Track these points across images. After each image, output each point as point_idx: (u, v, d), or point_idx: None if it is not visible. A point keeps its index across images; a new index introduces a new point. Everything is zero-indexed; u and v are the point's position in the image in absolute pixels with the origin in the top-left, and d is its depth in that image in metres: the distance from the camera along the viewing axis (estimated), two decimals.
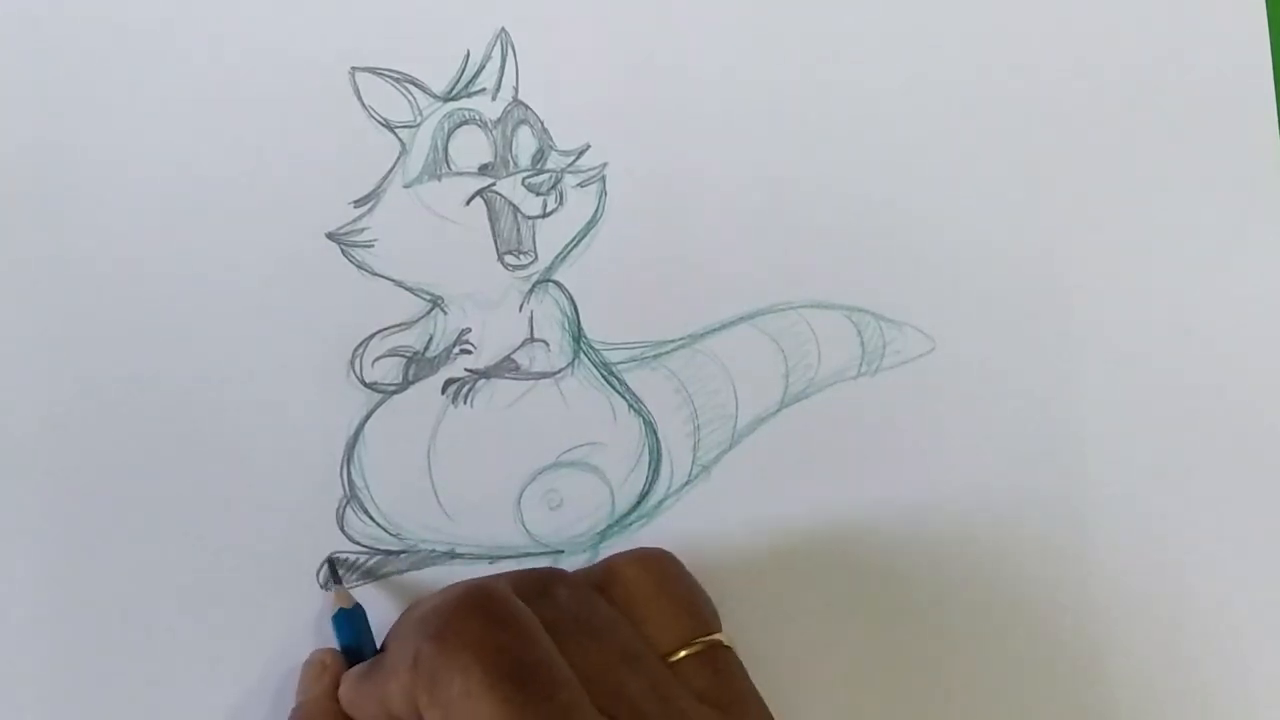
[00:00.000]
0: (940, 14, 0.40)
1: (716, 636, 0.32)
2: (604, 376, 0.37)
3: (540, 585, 0.32)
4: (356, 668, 0.33)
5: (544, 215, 0.37)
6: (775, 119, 0.39)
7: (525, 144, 0.38)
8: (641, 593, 0.32)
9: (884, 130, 0.39)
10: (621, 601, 0.32)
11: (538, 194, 0.37)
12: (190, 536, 0.35)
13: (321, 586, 0.36)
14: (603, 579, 0.33)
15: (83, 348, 0.36)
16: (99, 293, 0.36)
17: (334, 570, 0.35)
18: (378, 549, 0.36)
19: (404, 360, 0.37)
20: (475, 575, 0.36)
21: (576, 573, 0.34)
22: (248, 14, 0.37)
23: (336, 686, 0.33)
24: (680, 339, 0.38)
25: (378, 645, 0.34)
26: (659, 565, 0.33)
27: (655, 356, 0.38)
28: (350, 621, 0.34)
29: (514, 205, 0.37)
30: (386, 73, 0.37)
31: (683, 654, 0.31)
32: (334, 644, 0.35)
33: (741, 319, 0.38)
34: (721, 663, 0.31)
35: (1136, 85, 0.40)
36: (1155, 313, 0.39)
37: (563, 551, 0.37)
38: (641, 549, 0.34)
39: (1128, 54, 0.40)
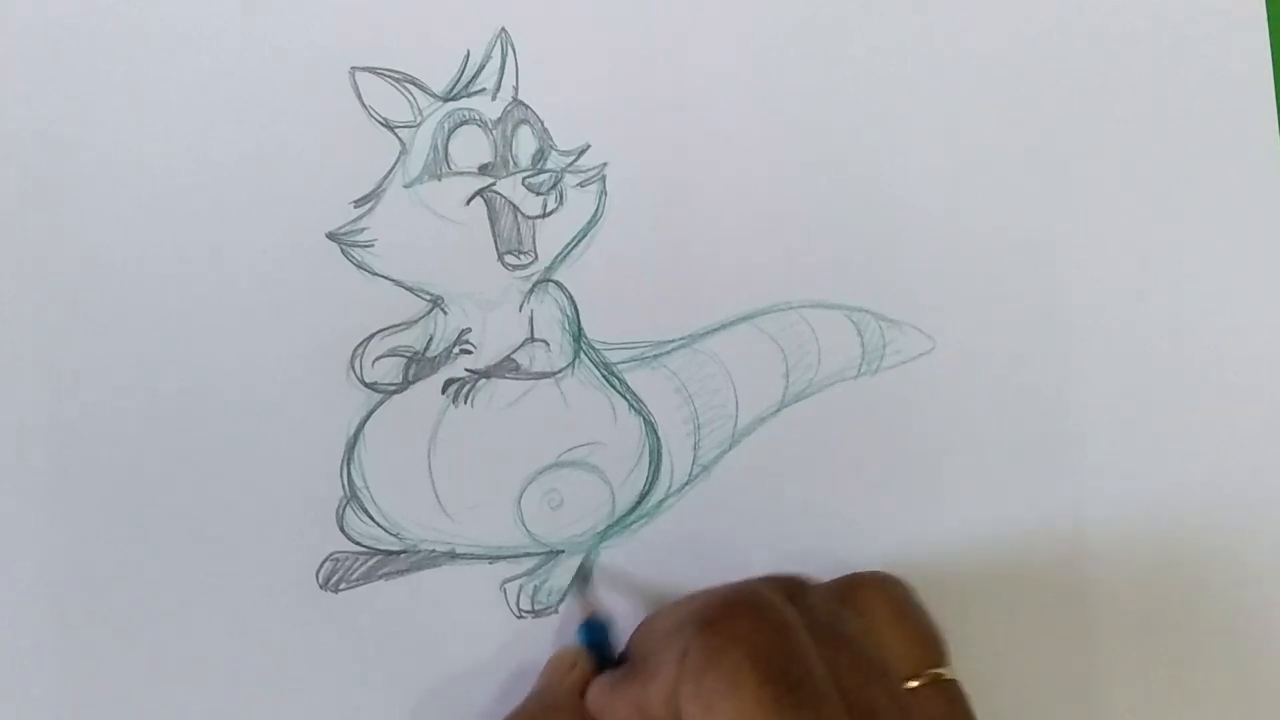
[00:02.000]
0: (940, 14, 0.40)
1: (946, 671, 0.31)
2: (604, 376, 0.37)
3: (795, 589, 0.32)
4: (607, 674, 0.33)
5: (544, 215, 0.37)
6: (775, 119, 0.39)
7: (525, 144, 0.38)
8: (883, 614, 0.32)
9: (884, 130, 0.39)
10: (863, 618, 0.32)
11: (538, 194, 0.37)
12: (190, 536, 0.35)
13: (321, 586, 0.36)
14: (846, 593, 0.32)
15: (83, 348, 0.36)
16: (99, 293, 0.36)
17: (585, 579, 0.36)
18: (378, 549, 0.36)
19: (404, 360, 0.37)
20: (475, 575, 0.36)
21: (822, 584, 0.33)
22: (248, 14, 0.37)
23: (583, 684, 0.33)
24: (680, 339, 0.38)
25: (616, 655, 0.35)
26: (900, 591, 0.33)
27: (655, 356, 0.38)
28: (596, 630, 0.35)
29: (514, 205, 0.37)
30: (386, 73, 0.37)
31: (917, 683, 0.31)
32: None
33: (741, 319, 0.38)
34: (955, 696, 0.31)
35: (1137, 85, 0.40)
36: (1155, 312, 0.40)
37: (563, 551, 0.37)
38: (879, 572, 0.33)
39: (1128, 54, 0.40)
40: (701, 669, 0.28)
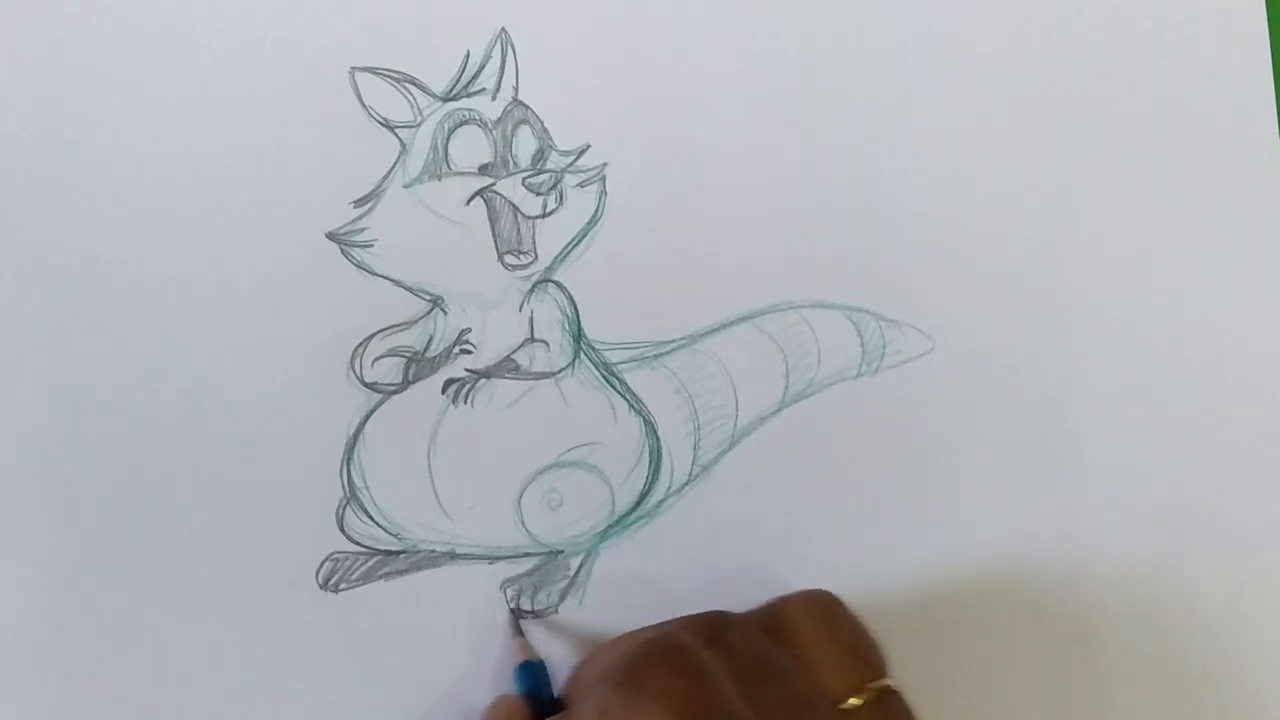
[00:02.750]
0: (940, 14, 0.40)
1: (885, 682, 0.31)
2: (604, 376, 0.37)
3: (713, 630, 0.31)
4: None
5: (544, 215, 0.37)
6: (775, 119, 0.39)
7: (525, 144, 0.38)
8: (811, 637, 0.31)
9: (884, 130, 0.39)
10: (790, 646, 0.31)
11: (538, 194, 0.37)
12: (190, 536, 0.35)
13: (321, 586, 0.36)
14: (770, 623, 0.32)
15: (83, 348, 0.36)
16: (99, 293, 0.36)
17: (516, 621, 0.36)
18: (377, 549, 0.36)
19: (404, 360, 0.37)
20: (475, 575, 0.36)
21: (743, 616, 0.33)
22: (248, 14, 0.37)
23: None
24: (680, 339, 0.38)
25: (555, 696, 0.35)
26: (826, 608, 0.32)
27: (655, 356, 0.38)
28: (532, 674, 0.34)
29: (514, 205, 0.37)
30: (386, 73, 0.37)
31: (853, 701, 0.30)
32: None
33: (741, 319, 0.38)
34: (894, 709, 0.31)
35: (1137, 85, 0.40)
36: (1155, 312, 0.40)
37: (562, 551, 0.37)
38: (807, 592, 0.33)
39: (1128, 54, 0.40)
40: None
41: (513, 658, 0.35)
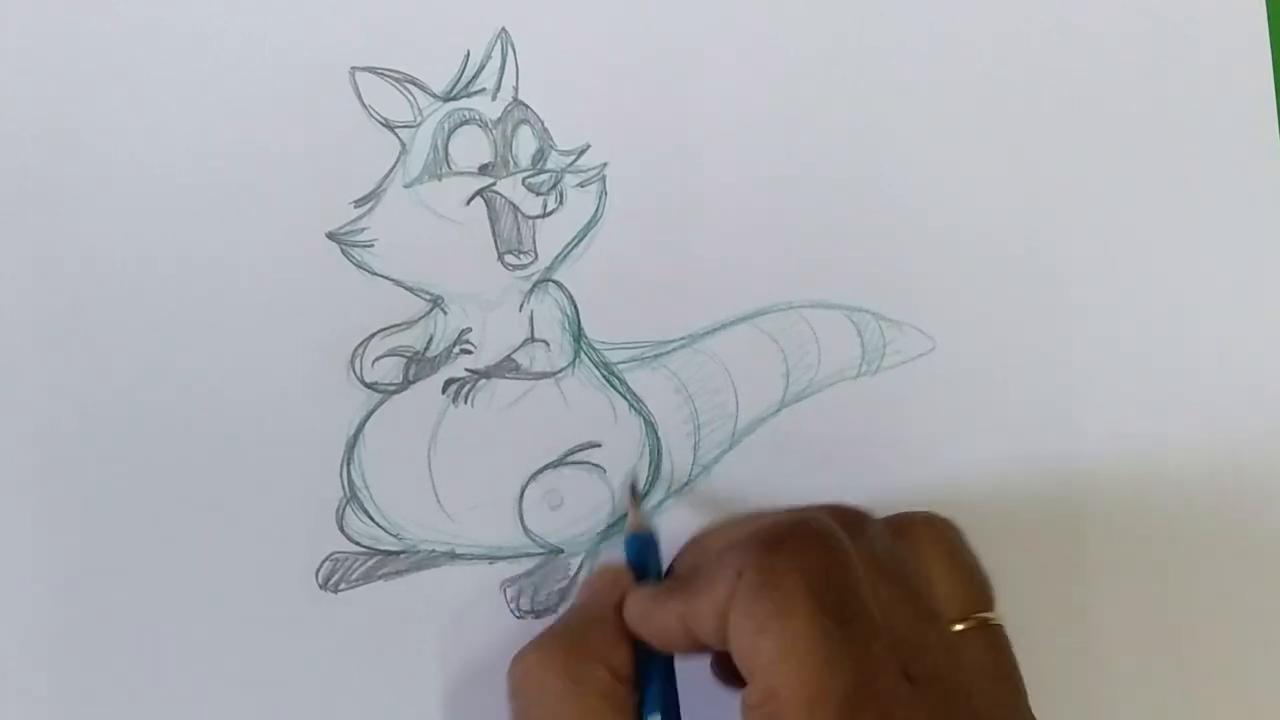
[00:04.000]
0: (940, 15, 0.40)
1: (994, 616, 0.31)
2: (604, 376, 0.37)
3: (853, 520, 0.31)
4: (646, 587, 0.33)
5: (544, 215, 0.37)
6: (776, 119, 0.39)
7: (525, 144, 0.38)
8: (934, 554, 0.31)
9: (885, 130, 0.39)
10: (915, 558, 0.31)
11: (538, 194, 0.37)
12: (190, 536, 0.35)
13: (321, 586, 0.36)
14: (901, 531, 0.32)
15: (83, 348, 0.36)
16: (99, 293, 0.36)
17: (634, 492, 0.36)
18: (377, 549, 0.36)
19: (404, 360, 0.37)
20: (475, 575, 0.36)
21: (879, 519, 0.32)
22: (248, 14, 0.37)
23: (621, 602, 0.33)
24: (680, 339, 0.38)
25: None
26: (952, 532, 0.32)
27: (656, 356, 0.38)
28: (641, 546, 0.34)
29: (514, 205, 0.37)
30: (386, 73, 0.37)
31: (963, 625, 0.30)
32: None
33: (741, 319, 0.38)
34: (998, 639, 0.31)
35: (1137, 85, 0.40)
36: (1155, 312, 0.39)
37: (562, 551, 0.37)
38: (932, 513, 0.33)
39: (1128, 54, 0.40)
40: (758, 590, 0.28)
41: (625, 528, 0.35)
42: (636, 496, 0.36)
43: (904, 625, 0.29)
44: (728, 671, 0.31)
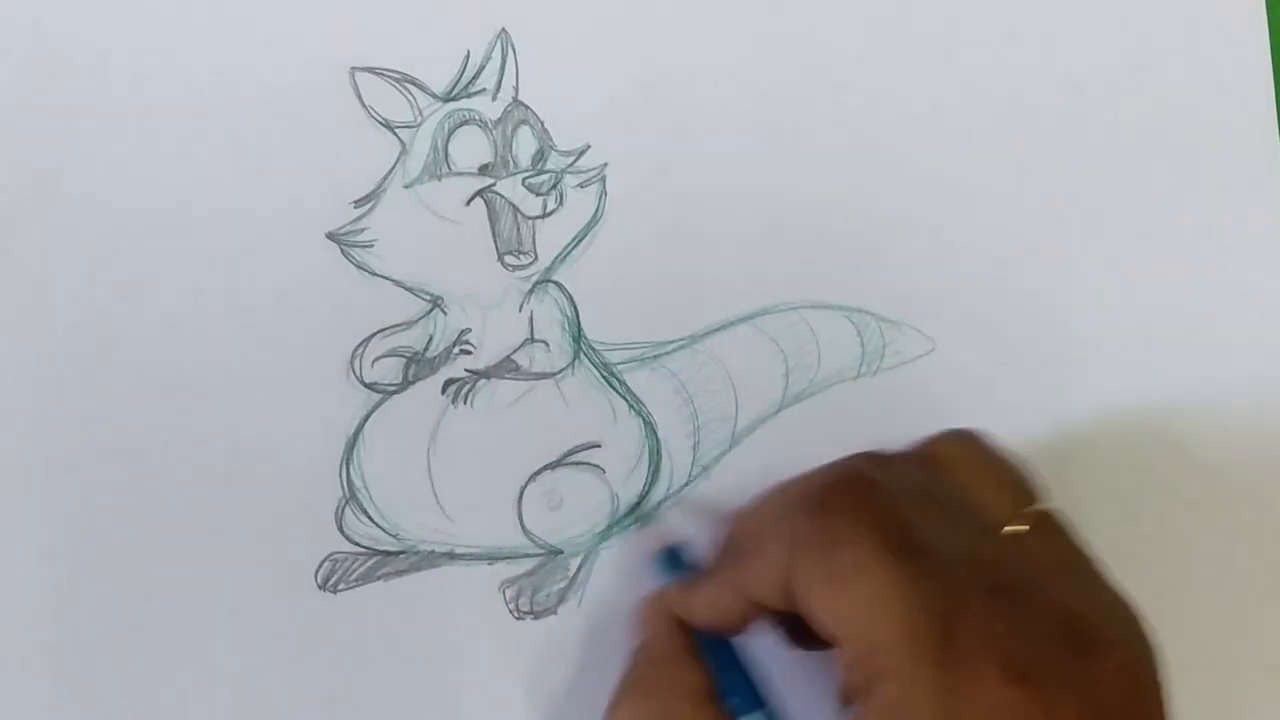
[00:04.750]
0: (940, 18, 0.40)
1: (1043, 505, 0.31)
2: (604, 377, 0.37)
3: (882, 463, 0.31)
4: (689, 579, 0.33)
5: (544, 215, 0.37)
6: (775, 120, 0.39)
7: (525, 144, 0.38)
8: (964, 468, 0.31)
9: (884, 131, 0.39)
10: (949, 479, 0.31)
11: (538, 194, 0.37)
12: (190, 536, 0.35)
13: (320, 587, 0.36)
14: (926, 458, 0.32)
15: (83, 347, 0.36)
16: (99, 292, 0.36)
17: (656, 508, 0.36)
18: (377, 549, 0.36)
19: (404, 360, 0.37)
20: (474, 575, 0.36)
21: (901, 453, 0.33)
22: (248, 14, 0.37)
23: (677, 623, 0.33)
24: (680, 339, 0.38)
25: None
26: (974, 440, 0.32)
27: (655, 357, 0.38)
28: (677, 555, 0.35)
29: (514, 205, 0.37)
30: (386, 73, 0.37)
31: (1016, 525, 0.30)
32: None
33: (741, 319, 0.38)
34: (1055, 528, 0.31)
35: (1136, 86, 0.40)
36: (1154, 313, 0.39)
37: (562, 552, 0.37)
38: (954, 429, 0.33)
39: (1127, 54, 0.40)
40: (824, 549, 0.28)
41: (654, 544, 0.35)
42: (649, 521, 0.36)
43: (966, 544, 0.29)
44: (800, 636, 0.31)
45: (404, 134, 0.37)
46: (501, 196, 0.37)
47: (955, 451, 0.32)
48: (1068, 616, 0.28)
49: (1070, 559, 0.30)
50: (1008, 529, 0.30)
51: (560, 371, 0.37)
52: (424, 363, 0.37)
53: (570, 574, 0.37)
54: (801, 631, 0.30)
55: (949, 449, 0.32)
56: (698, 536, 0.36)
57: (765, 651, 0.33)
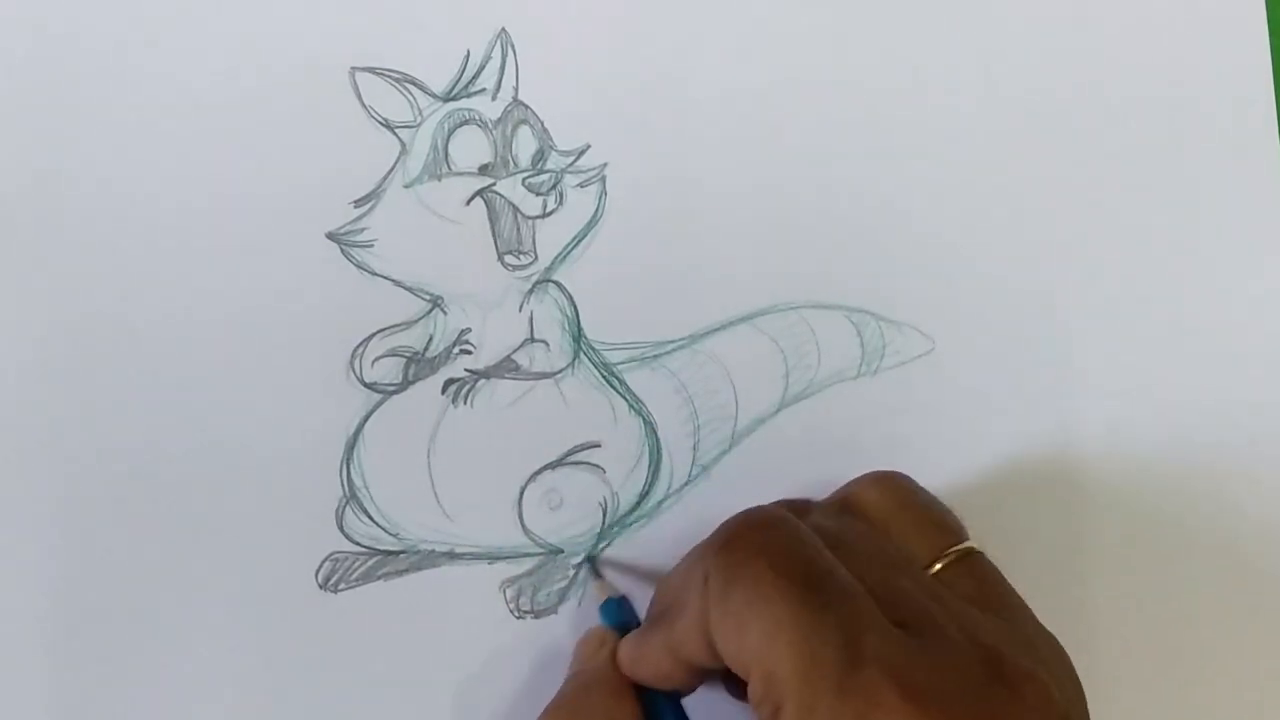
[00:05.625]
0: (940, 17, 0.40)
1: (967, 545, 0.31)
2: (604, 377, 0.37)
3: (800, 509, 0.32)
4: (632, 632, 0.33)
5: (544, 215, 0.37)
6: (775, 119, 0.39)
7: (525, 144, 0.38)
8: (887, 511, 0.31)
9: (884, 131, 0.39)
10: (869, 523, 0.31)
11: (538, 194, 0.37)
12: (190, 536, 0.35)
13: (320, 586, 0.36)
14: (846, 504, 0.32)
15: (82, 347, 0.36)
16: (99, 292, 0.36)
17: (594, 567, 0.36)
18: (377, 549, 0.36)
19: (404, 360, 0.37)
20: (474, 575, 0.36)
21: (822, 501, 0.33)
22: (248, 14, 0.37)
23: (615, 658, 0.33)
24: (680, 339, 0.38)
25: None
26: (895, 482, 0.32)
27: (655, 357, 0.38)
28: (620, 607, 0.35)
29: (514, 205, 0.37)
30: (386, 73, 0.37)
31: (939, 566, 0.30)
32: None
33: (741, 319, 0.38)
34: (980, 568, 0.31)
35: (1136, 86, 0.40)
36: (1154, 313, 0.39)
37: (562, 551, 0.37)
38: (874, 472, 0.33)
39: (1127, 55, 0.40)
40: (726, 586, 0.28)
41: (595, 598, 0.36)
42: (596, 570, 0.36)
43: (877, 579, 0.28)
44: (737, 686, 0.31)
45: (404, 134, 0.37)
46: (501, 196, 0.37)
47: (873, 495, 0.32)
48: (983, 649, 0.27)
49: (992, 598, 0.30)
50: (932, 570, 0.30)
51: (560, 371, 0.37)
52: (424, 363, 0.37)
53: (570, 573, 0.37)
54: (738, 682, 0.30)
55: (867, 493, 0.32)
56: (637, 589, 0.36)
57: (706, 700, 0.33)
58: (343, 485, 0.36)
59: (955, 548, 0.31)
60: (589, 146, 0.38)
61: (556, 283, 0.37)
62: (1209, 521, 0.39)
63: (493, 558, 0.36)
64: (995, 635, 0.28)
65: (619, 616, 0.35)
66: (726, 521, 0.30)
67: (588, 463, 0.37)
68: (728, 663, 0.28)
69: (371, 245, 0.37)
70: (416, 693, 0.36)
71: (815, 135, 0.39)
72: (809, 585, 0.27)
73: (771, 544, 0.28)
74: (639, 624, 0.34)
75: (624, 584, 0.36)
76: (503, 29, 0.38)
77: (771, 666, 0.27)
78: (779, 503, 0.32)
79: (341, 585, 0.36)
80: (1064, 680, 0.28)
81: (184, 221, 0.36)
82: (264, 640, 0.35)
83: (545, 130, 0.38)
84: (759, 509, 0.30)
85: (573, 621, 0.36)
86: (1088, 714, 0.28)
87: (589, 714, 0.31)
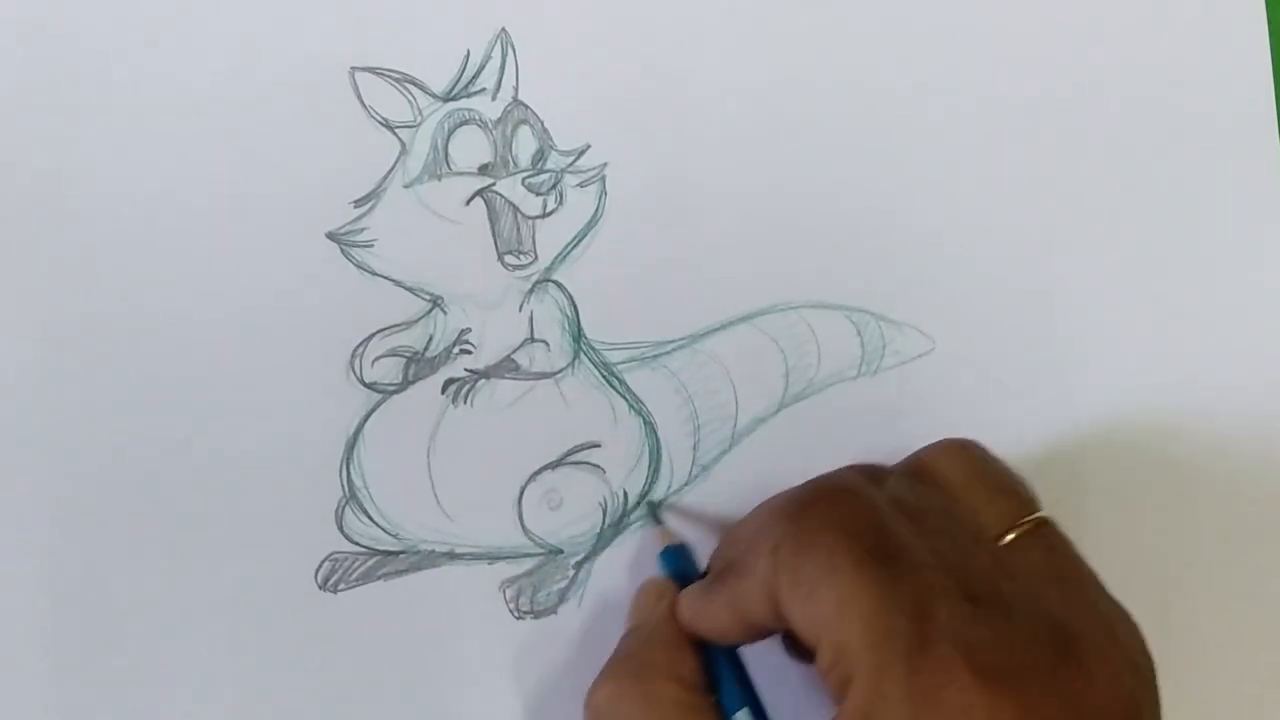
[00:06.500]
0: (940, 17, 0.40)
1: (1040, 514, 0.31)
2: (604, 376, 0.37)
3: (874, 475, 0.31)
4: (694, 585, 0.33)
5: (544, 215, 0.37)
6: (775, 120, 0.39)
7: (525, 144, 0.38)
8: (960, 479, 0.31)
9: (884, 131, 0.39)
10: (942, 491, 0.31)
11: (538, 194, 0.37)
12: (190, 536, 0.35)
13: (320, 587, 0.36)
14: (919, 471, 0.32)
15: (82, 347, 0.36)
16: (99, 291, 0.36)
17: (654, 513, 0.36)
18: (377, 549, 0.36)
19: (404, 360, 0.37)
20: (474, 575, 0.36)
21: (894, 468, 0.33)
22: (248, 14, 0.37)
23: (673, 610, 0.33)
24: (680, 339, 0.38)
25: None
26: (970, 451, 0.32)
27: (655, 356, 0.38)
28: (676, 556, 0.35)
29: (514, 205, 0.37)
30: (386, 73, 0.37)
31: (1011, 536, 0.30)
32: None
33: (741, 319, 0.38)
34: (1053, 538, 0.31)
35: (1136, 86, 0.40)
36: (1154, 313, 0.39)
37: (562, 551, 0.37)
38: (948, 439, 0.33)
39: (1127, 55, 0.40)
40: (797, 557, 0.28)
41: (655, 545, 0.36)
42: (656, 516, 0.36)
43: (950, 552, 0.28)
44: (799, 649, 0.31)
45: (404, 134, 0.37)
46: (501, 196, 0.37)
47: (947, 462, 0.32)
48: (1055, 626, 0.27)
49: (1064, 570, 0.30)
50: (1004, 540, 0.30)
51: (560, 371, 0.37)
52: (424, 362, 0.37)
53: (570, 573, 0.37)
54: (798, 641, 0.30)
55: (941, 460, 0.32)
56: (700, 539, 0.36)
57: (767, 655, 0.33)
58: (343, 485, 0.36)
59: (1029, 518, 0.31)
60: (589, 146, 0.38)
61: (556, 283, 0.37)
62: (1209, 520, 0.39)
63: (493, 558, 0.36)
64: (1067, 611, 0.28)
65: (678, 564, 0.35)
66: (799, 487, 0.30)
67: (588, 463, 0.37)
68: (795, 630, 0.29)
69: (371, 245, 0.37)
70: (416, 693, 0.36)
71: (815, 135, 0.39)
72: (881, 558, 0.27)
73: (844, 514, 0.28)
74: (697, 574, 0.34)
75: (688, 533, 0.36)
76: (503, 29, 0.38)
77: (842, 637, 0.27)
78: (851, 467, 0.32)
79: (341, 585, 0.36)
80: (1135, 655, 0.28)
81: (184, 221, 0.36)
82: (264, 640, 0.35)
83: (545, 130, 0.38)
84: (833, 476, 0.30)
85: (573, 621, 0.36)
86: (1156, 689, 0.28)
87: (653, 668, 0.31)
